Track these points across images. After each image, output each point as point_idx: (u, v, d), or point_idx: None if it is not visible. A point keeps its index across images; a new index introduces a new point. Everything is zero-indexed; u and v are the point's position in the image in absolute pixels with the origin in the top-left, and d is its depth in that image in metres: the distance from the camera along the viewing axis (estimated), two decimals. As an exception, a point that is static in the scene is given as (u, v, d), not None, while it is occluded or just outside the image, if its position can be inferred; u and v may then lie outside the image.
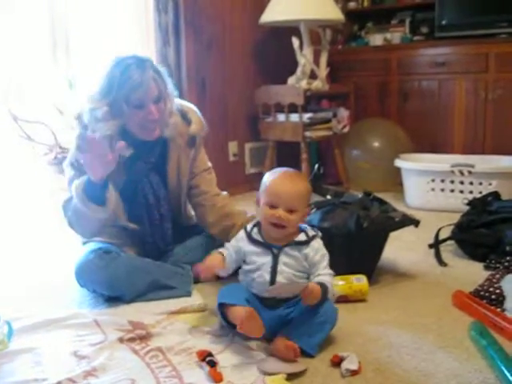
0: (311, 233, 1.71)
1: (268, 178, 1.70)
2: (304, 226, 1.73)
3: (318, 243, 1.70)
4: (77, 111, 2.06)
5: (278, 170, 1.73)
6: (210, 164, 2.26)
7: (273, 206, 1.64)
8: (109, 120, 1.93)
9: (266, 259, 1.67)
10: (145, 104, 1.93)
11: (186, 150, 2.15)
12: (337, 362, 1.50)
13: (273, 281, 1.65)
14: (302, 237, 1.69)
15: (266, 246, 1.68)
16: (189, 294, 2.00)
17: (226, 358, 1.53)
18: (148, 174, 2.10)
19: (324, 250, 1.70)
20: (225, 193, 2.26)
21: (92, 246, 2.05)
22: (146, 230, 2.11)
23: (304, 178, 1.76)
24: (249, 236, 1.71)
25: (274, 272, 1.65)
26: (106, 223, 2.05)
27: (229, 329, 1.66)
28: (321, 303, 1.59)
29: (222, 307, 1.65)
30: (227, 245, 1.76)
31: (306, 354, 1.54)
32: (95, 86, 1.96)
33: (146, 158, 2.08)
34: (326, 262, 1.68)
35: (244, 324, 1.51)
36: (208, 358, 1.48)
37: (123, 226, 2.12)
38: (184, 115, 2.14)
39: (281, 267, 1.65)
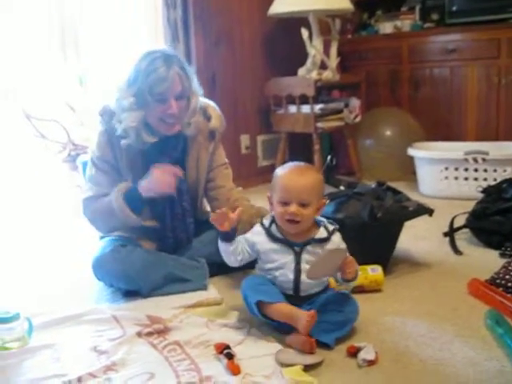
0: (330, 227, 1.70)
1: (277, 174, 1.69)
2: (320, 219, 1.72)
3: (337, 237, 1.70)
4: (100, 107, 2.08)
5: (288, 165, 1.71)
6: (226, 160, 2.28)
7: (285, 203, 1.63)
8: (134, 110, 1.96)
9: (288, 258, 1.66)
10: (166, 99, 1.95)
11: (205, 144, 2.17)
12: (353, 353, 1.51)
13: (297, 280, 1.64)
14: (322, 233, 1.68)
15: (286, 243, 1.66)
16: (205, 288, 2.02)
17: (243, 351, 1.55)
18: None
19: (344, 244, 1.70)
20: (239, 188, 2.27)
21: (109, 240, 2.08)
22: (167, 226, 2.12)
23: (315, 169, 1.73)
24: (268, 232, 1.69)
25: (297, 271, 1.64)
26: None
27: (270, 322, 1.64)
28: (346, 298, 1.65)
29: (258, 303, 1.61)
30: (239, 238, 1.72)
31: (323, 344, 1.55)
32: (123, 77, 1.99)
33: (171, 153, 2.10)
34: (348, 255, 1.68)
35: (308, 328, 1.51)
36: (226, 351, 1.50)
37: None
38: (204, 111, 2.16)
39: (304, 266, 1.64)
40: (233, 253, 1.70)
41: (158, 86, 1.91)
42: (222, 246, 1.70)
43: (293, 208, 1.61)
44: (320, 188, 1.69)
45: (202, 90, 2.13)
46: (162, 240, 2.14)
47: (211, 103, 2.23)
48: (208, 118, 2.16)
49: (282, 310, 1.57)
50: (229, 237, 1.68)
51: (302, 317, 1.51)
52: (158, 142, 2.05)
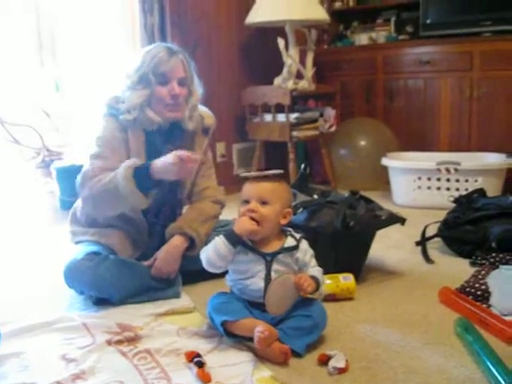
0: (297, 235, 1.72)
1: (245, 185, 1.72)
2: (286, 228, 1.73)
3: (305, 244, 1.72)
4: (106, 98, 2.12)
5: None
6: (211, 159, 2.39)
7: (246, 201, 1.65)
8: (138, 90, 2.04)
9: (259, 267, 1.65)
10: (169, 80, 2.05)
11: (199, 140, 2.26)
12: (324, 361, 1.51)
13: (267, 288, 1.63)
14: (290, 242, 1.69)
15: (258, 253, 1.66)
16: (178, 296, 2.01)
17: (214, 359, 1.54)
18: None
19: (311, 250, 1.72)
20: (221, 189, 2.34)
21: (82, 247, 2.05)
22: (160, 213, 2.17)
23: (282, 181, 1.74)
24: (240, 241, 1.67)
25: (267, 280, 1.64)
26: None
27: (234, 341, 1.63)
28: (312, 303, 1.65)
29: (223, 323, 1.60)
30: None
31: (294, 353, 1.55)
32: (131, 64, 2.09)
33: (174, 141, 2.14)
34: (314, 260, 1.71)
35: (265, 339, 1.50)
36: (196, 359, 1.49)
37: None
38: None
39: (273, 275, 1.64)
40: (228, 258, 1.66)
41: (162, 65, 2.03)
42: (225, 251, 1.63)
43: (252, 204, 1.63)
44: (284, 194, 1.69)
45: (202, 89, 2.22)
46: (137, 226, 2.12)
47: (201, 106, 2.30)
48: (201, 117, 2.25)
49: (247, 325, 1.57)
50: (238, 240, 1.65)
51: (259, 327, 1.51)
52: (163, 130, 2.11)
